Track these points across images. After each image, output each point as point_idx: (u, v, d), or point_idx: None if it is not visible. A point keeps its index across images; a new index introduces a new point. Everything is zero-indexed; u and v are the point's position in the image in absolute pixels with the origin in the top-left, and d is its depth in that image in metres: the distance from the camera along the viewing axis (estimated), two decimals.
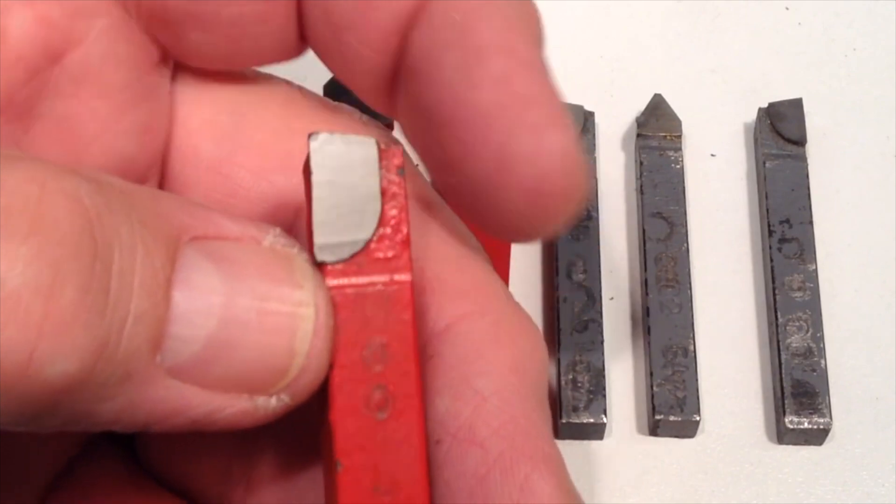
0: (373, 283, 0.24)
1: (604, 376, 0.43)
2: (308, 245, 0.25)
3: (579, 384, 0.43)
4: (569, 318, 0.44)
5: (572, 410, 0.43)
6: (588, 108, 0.48)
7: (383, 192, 0.25)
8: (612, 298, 0.46)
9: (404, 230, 0.25)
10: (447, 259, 0.27)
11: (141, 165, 0.28)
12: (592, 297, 0.45)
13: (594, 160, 0.47)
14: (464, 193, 0.26)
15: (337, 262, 0.24)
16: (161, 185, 0.29)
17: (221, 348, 0.23)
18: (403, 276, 0.25)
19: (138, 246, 0.22)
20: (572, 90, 0.49)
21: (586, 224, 0.46)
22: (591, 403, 0.43)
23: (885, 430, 0.44)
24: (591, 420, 0.43)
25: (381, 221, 0.25)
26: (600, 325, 0.44)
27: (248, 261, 0.24)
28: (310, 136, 0.24)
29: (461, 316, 0.26)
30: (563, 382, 0.43)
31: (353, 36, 0.27)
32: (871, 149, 0.49)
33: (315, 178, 0.24)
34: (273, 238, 0.24)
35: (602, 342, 0.44)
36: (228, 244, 0.24)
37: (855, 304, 0.46)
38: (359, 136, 0.25)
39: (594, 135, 0.48)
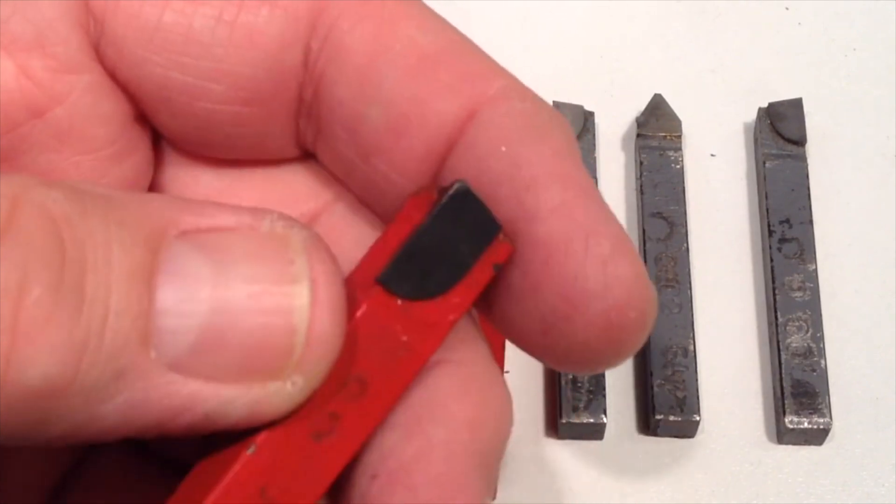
0: (398, 333, 0.24)
1: (604, 376, 0.43)
2: (378, 266, 0.24)
3: (579, 384, 0.43)
4: None
5: (572, 410, 0.43)
6: (588, 108, 0.48)
7: (468, 273, 0.24)
8: None
9: (454, 316, 0.24)
10: None
11: None
12: None
13: (594, 160, 0.47)
14: (528, 326, 0.25)
15: (391, 293, 0.24)
16: None
17: (218, 336, 0.23)
18: (426, 350, 0.24)
19: (113, 244, 0.22)
20: (572, 90, 0.49)
21: None
22: (591, 403, 0.43)
23: (885, 430, 0.44)
24: (591, 420, 0.43)
25: (446, 295, 0.24)
26: None
27: (238, 247, 0.23)
28: (456, 181, 0.24)
29: (437, 363, 0.26)
30: (563, 382, 0.43)
31: (383, 160, 0.26)
32: (871, 149, 0.49)
33: (432, 216, 0.24)
34: (271, 222, 0.24)
35: None
36: (221, 235, 0.24)
37: (855, 304, 0.46)
38: (491, 213, 0.24)
39: (594, 135, 0.48)
